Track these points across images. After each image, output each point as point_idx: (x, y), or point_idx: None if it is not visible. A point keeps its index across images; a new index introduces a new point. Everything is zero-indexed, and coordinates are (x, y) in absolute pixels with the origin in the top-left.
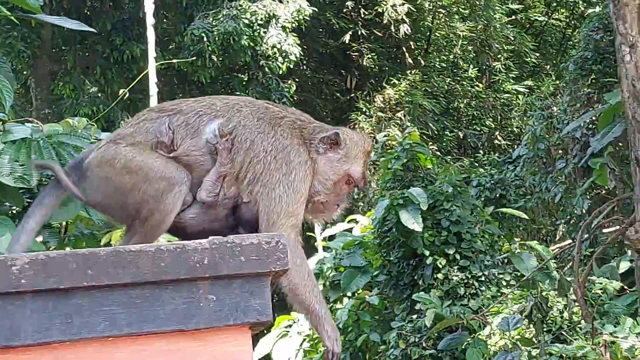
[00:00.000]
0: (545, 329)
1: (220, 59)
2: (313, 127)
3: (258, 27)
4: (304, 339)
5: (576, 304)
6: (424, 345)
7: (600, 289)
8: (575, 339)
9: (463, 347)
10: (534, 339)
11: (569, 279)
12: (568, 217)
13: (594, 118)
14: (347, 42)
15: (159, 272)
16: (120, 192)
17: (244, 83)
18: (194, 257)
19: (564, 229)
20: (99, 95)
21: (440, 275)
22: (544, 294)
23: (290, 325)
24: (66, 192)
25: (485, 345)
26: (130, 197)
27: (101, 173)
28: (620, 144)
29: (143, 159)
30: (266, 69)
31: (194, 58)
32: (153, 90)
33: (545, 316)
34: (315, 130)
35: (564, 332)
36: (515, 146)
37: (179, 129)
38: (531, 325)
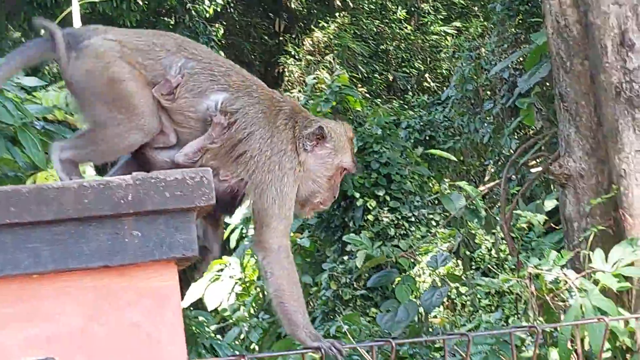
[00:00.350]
0: (473, 267)
1: (146, 2)
2: (303, 121)
3: None
4: (236, 283)
5: (503, 240)
6: (354, 285)
7: (525, 223)
8: (502, 274)
9: (393, 285)
10: (462, 276)
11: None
12: (496, 157)
13: (521, 58)
14: None
15: (83, 208)
16: (95, 94)
17: (171, 27)
18: (118, 193)
19: (492, 169)
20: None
21: (370, 217)
22: (472, 231)
23: (222, 270)
24: (46, 55)
25: (414, 282)
26: (99, 106)
27: (92, 64)
28: (547, 84)
29: (136, 89)
30: (193, 12)
31: (119, 1)
32: None
33: (473, 252)
34: (303, 125)
35: (491, 268)
36: (444, 88)
37: (189, 79)
38: (459, 262)
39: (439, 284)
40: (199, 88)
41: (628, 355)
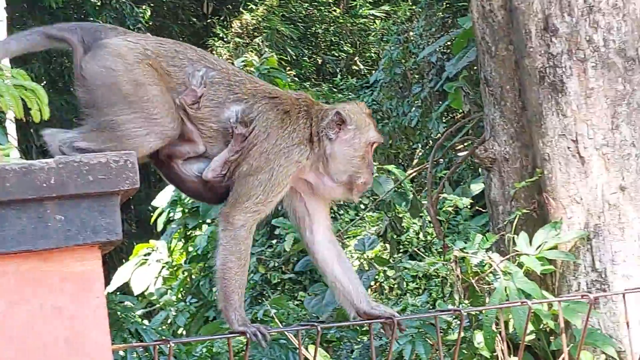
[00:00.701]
0: (401, 250)
1: None
2: (318, 114)
3: None
4: (163, 267)
5: (430, 223)
6: (283, 269)
7: (452, 207)
8: (429, 257)
9: None
10: (390, 260)
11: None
12: (424, 140)
13: (449, 42)
14: None
15: (4, 192)
16: (115, 93)
17: (97, 8)
18: (40, 176)
19: (420, 153)
20: None
21: None
22: (399, 215)
23: (149, 254)
24: (57, 43)
25: None
26: (120, 106)
27: (113, 63)
28: (475, 68)
29: (159, 94)
30: None
31: None
32: (2, 15)
33: (400, 236)
34: (319, 117)
35: (418, 252)
36: (373, 71)
37: (210, 88)
38: (387, 246)
39: (367, 268)
40: (219, 98)
41: (552, 338)
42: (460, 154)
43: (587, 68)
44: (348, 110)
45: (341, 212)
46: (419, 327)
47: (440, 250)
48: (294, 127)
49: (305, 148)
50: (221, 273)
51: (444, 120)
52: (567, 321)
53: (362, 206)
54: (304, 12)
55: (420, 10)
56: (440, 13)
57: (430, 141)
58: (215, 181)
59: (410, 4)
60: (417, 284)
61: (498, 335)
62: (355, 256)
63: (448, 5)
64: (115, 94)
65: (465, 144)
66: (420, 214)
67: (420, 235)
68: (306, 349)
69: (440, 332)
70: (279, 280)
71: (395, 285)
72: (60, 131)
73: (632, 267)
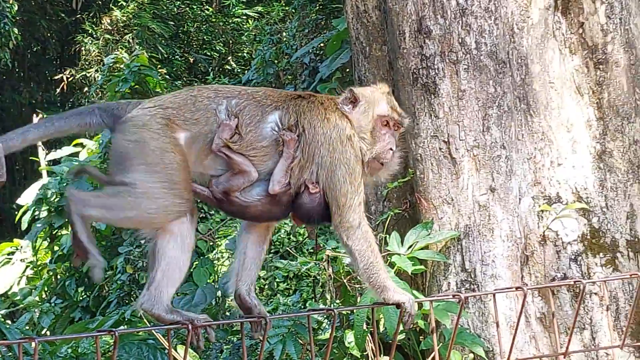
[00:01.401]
0: (272, 250)
1: None
2: (338, 97)
3: None
4: (27, 266)
5: None
6: None
7: None
8: (301, 257)
9: (192, 268)
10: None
11: None
12: None
13: (322, 44)
14: None
15: None
16: (142, 162)
17: None
18: None
19: None
20: None
21: None
22: None
23: (12, 253)
24: (81, 128)
25: (212, 265)
26: (144, 174)
27: (139, 134)
28: (348, 70)
29: (181, 164)
30: None
31: None
32: None
33: (272, 236)
34: (339, 98)
35: (290, 251)
36: (246, 71)
37: (243, 114)
38: None
39: None
40: (254, 118)
41: (421, 337)
42: None
43: (460, 70)
44: (361, 89)
45: (212, 212)
46: (290, 327)
47: (312, 250)
48: (330, 114)
49: (344, 123)
50: (368, 272)
51: None
52: (437, 321)
53: None
54: (175, 10)
55: (293, 11)
56: (314, 14)
57: None
58: (281, 192)
59: (284, 4)
60: (287, 284)
61: (369, 334)
62: (226, 256)
63: (322, 6)
64: (142, 163)
65: None
66: None
67: (292, 236)
68: (175, 349)
69: (314, 332)
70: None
71: (266, 285)
72: (80, 194)
73: (501, 268)
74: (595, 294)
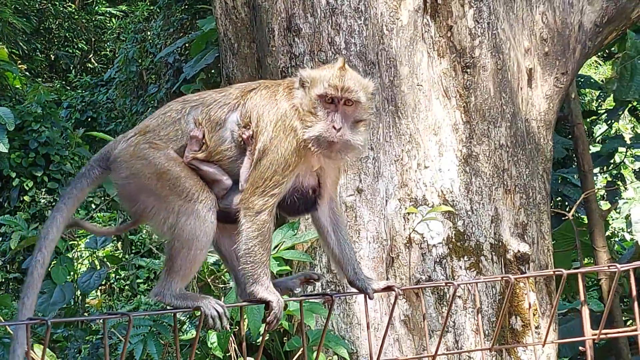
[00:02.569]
0: (134, 250)
1: None
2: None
3: None
4: None
5: None
6: (8, 268)
7: None
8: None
9: (50, 267)
10: (123, 258)
11: None
12: None
13: (187, 44)
14: None
15: None
16: (149, 192)
17: None
18: None
19: None
20: None
21: (27, 198)
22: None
23: None
24: (94, 184)
25: (71, 264)
26: (157, 204)
27: (132, 167)
28: (213, 71)
29: (180, 170)
30: None
31: None
32: None
33: (135, 233)
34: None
35: (153, 251)
36: (109, 70)
37: (205, 122)
38: (119, 246)
39: (98, 266)
40: (216, 121)
41: (285, 338)
42: None
43: None
44: (314, 70)
45: None
46: (152, 327)
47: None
48: (280, 102)
49: (293, 113)
50: (247, 258)
51: None
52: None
53: (93, 205)
54: (37, 5)
55: (158, 10)
56: (179, 14)
57: None
58: None
59: (149, 4)
60: (149, 285)
61: (232, 335)
62: (85, 256)
63: (187, 6)
64: (150, 194)
65: None
66: None
67: (154, 236)
68: (32, 348)
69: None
70: (3, 280)
71: (127, 287)
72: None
73: (367, 269)
74: (459, 297)
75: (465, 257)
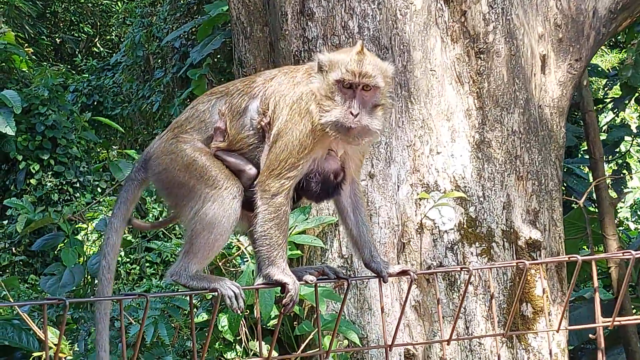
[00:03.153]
0: (141, 234)
1: None
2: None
3: None
4: None
5: None
6: (14, 250)
7: None
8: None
9: (55, 251)
10: (134, 242)
11: None
12: (164, 126)
13: (193, 29)
14: None
15: None
16: (180, 184)
17: None
18: None
19: None
20: None
21: (33, 181)
22: (145, 198)
23: None
24: (143, 186)
25: (81, 246)
26: (187, 194)
27: (164, 162)
28: (219, 56)
29: (207, 161)
30: None
31: None
32: None
33: (145, 216)
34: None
35: (160, 235)
36: (114, 54)
37: (228, 112)
38: (130, 228)
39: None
40: (238, 110)
41: (295, 323)
42: None
43: None
44: (332, 54)
45: (77, 194)
46: (163, 309)
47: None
48: (298, 87)
49: (312, 97)
50: (263, 240)
51: (186, 107)
52: (312, 307)
53: (99, 190)
54: None
55: None
56: None
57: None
58: None
59: None
60: (154, 269)
61: (243, 319)
62: (92, 239)
63: None
64: (180, 186)
65: None
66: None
67: (161, 218)
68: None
69: (185, 315)
70: (9, 262)
71: (132, 270)
72: (175, 267)
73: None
74: (470, 283)
75: (477, 243)
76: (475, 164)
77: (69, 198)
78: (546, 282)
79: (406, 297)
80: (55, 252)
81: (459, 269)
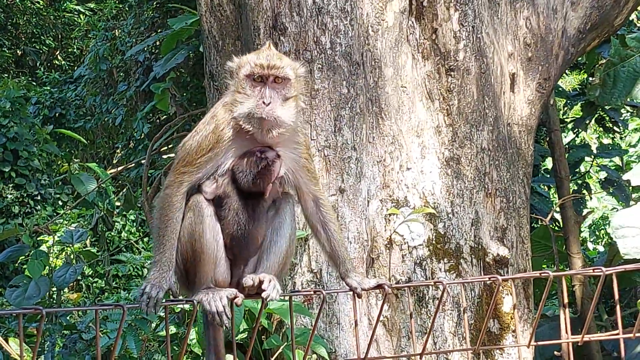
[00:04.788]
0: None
1: None
2: None
3: None
4: None
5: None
6: None
7: None
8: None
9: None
10: (98, 253)
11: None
12: (127, 140)
13: (157, 42)
14: None
15: None
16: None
17: None
18: None
19: (122, 152)
20: None
21: None
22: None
23: None
24: None
25: (47, 257)
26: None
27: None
28: (183, 70)
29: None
30: None
31: None
32: None
33: (112, 229)
34: None
35: (126, 247)
36: (76, 67)
37: None
38: (94, 241)
39: (74, 261)
40: None
41: (264, 337)
42: (164, 155)
43: (314, 69)
44: (239, 58)
45: (38, 207)
46: (131, 322)
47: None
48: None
49: (221, 103)
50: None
51: (149, 121)
52: (281, 320)
53: (60, 202)
54: (5, 1)
55: (127, 8)
56: (150, 12)
57: (133, 141)
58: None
59: (117, 2)
60: (116, 283)
61: None
62: (59, 249)
63: (158, 4)
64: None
65: (170, 145)
66: (132, 208)
67: (123, 233)
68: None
69: (154, 328)
70: None
71: (94, 283)
72: None
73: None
74: (438, 298)
75: (445, 259)
76: (445, 180)
77: (29, 211)
78: (514, 298)
79: (380, 310)
80: (16, 265)
81: (432, 283)
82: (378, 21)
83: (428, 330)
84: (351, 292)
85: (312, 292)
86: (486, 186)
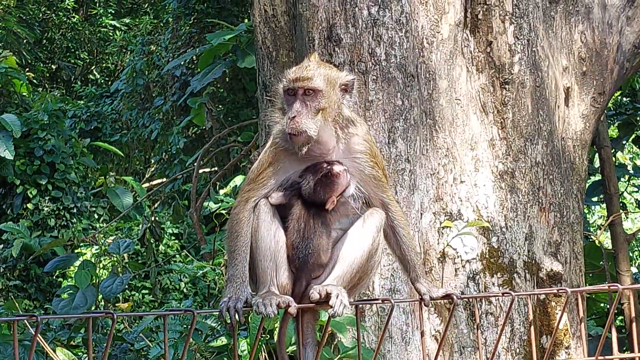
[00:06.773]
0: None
1: None
2: None
3: None
4: None
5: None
6: (8, 275)
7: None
8: (199, 262)
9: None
10: (148, 265)
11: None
12: (163, 154)
13: (194, 57)
14: None
15: None
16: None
17: None
18: None
19: (156, 166)
20: None
21: (30, 205)
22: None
23: None
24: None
25: (94, 267)
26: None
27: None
28: (219, 85)
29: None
30: None
31: None
32: None
33: (160, 240)
34: None
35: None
36: (110, 82)
37: None
38: (142, 251)
39: (120, 271)
40: None
41: None
42: (201, 170)
43: (368, 81)
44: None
45: (74, 220)
46: (183, 332)
47: (199, 257)
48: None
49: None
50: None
51: (185, 135)
52: (332, 332)
53: (96, 215)
54: (41, 15)
55: (163, 24)
56: (187, 27)
57: (168, 155)
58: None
59: (152, 17)
60: (153, 297)
61: (263, 344)
62: (106, 260)
63: (196, 20)
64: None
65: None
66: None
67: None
68: (54, 351)
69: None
70: (3, 287)
71: (133, 295)
72: None
73: (399, 282)
74: (491, 313)
75: (499, 273)
76: (499, 194)
77: (65, 223)
78: (566, 315)
79: (449, 321)
80: (52, 277)
81: (500, 294)
82: (433, 33)
83: (495, 343)
84: (414, 303)
85: (380, 301)
86: (540, 200)
